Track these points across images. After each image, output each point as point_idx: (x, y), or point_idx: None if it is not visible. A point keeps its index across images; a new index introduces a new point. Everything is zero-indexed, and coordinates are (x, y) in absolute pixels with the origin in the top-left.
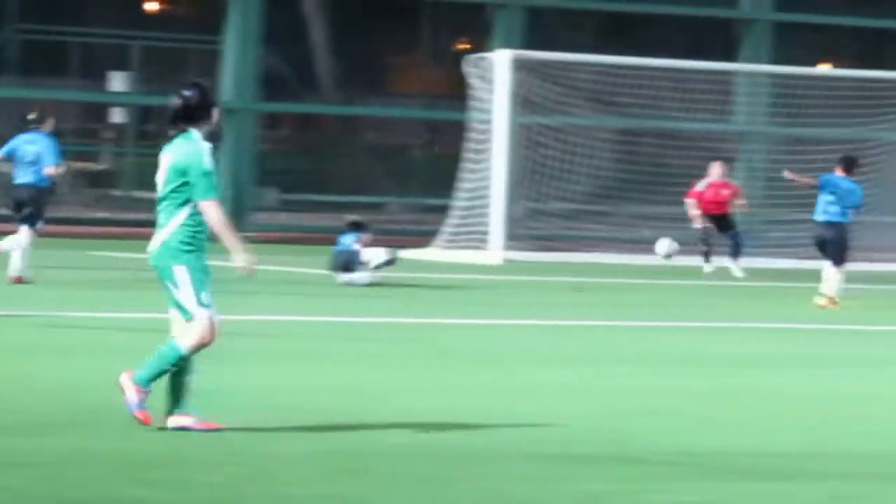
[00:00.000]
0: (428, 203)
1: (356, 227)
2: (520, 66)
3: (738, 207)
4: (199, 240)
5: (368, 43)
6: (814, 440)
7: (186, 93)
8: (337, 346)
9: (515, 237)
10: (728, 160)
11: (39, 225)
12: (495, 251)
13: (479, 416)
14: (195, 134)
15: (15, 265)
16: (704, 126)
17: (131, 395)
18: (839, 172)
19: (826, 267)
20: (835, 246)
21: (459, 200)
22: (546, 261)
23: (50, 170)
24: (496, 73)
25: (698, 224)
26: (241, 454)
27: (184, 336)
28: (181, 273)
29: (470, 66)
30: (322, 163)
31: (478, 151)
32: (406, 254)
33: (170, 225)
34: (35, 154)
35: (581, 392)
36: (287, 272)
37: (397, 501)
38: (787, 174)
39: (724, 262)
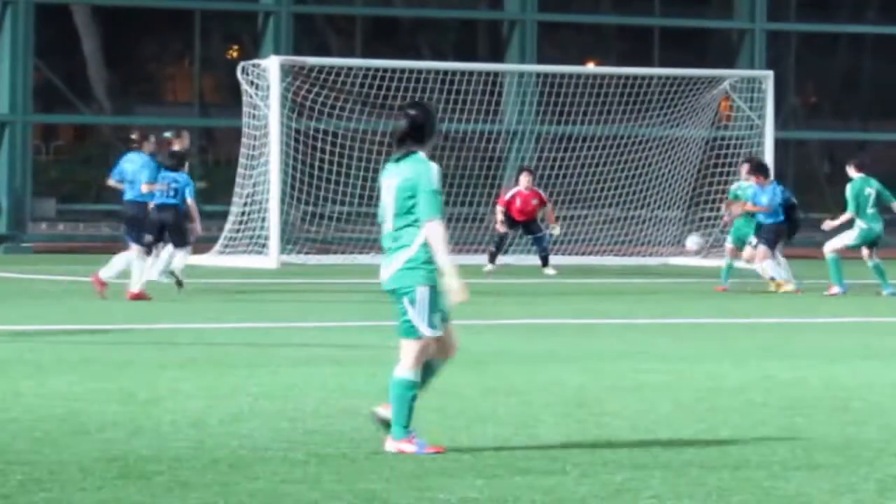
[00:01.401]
0: (205, 209)
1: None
2: (291, 72)
3: (551, 224)
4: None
5: (141, 53)
6: (581, 433)
7: (412, 112)
8: (108, 353)
9: (292, 241)
10: (500, 159)
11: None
12: (272, 255)
13: (256, 418)
14: (421, 154)
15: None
16: (475, 126)
17: (409, 447)
18: (755, 182)
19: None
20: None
21: (236, 206)
22: (322, 263)
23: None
24: (268, 80)
25: (501, 229)
26: (29, 463)
27: (402, 365)
28: (423, 293)
29: (242, 74)
30: (99, 173)
31: (253, 157)
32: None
33: (411, 246)
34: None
35: (355, 391)
36: (63, 281)
37: None
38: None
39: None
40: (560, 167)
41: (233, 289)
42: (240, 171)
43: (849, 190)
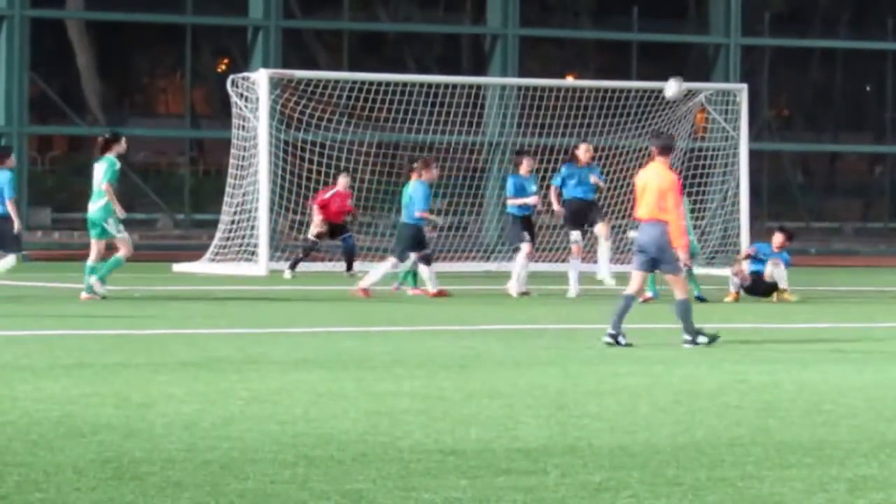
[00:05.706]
0: (196, 218)
1: None
2: (279, 84)
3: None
4: None
5: (134, 66)
6: (562, 434)
7: None
8: (102, 358)
9: (281, 249)
10: (483, 170)
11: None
12: (262, 263)
13: (246, 421)
14: None
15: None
16: (458, 138)
17: None
18: None
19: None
20: None
21: (226, 215)
22: (310, 271)
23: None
24: (257, 92)
25: (315, 231)
26: (25, 464)
27: None
28: None
29: (232, 86)
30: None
31: (242, 167)
32: (178, 267)
33: None
34: None
35: (343, 395)
36: (61, 288)
37: None
38: None
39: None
40: (541, 178)
41: (223, 295)
42: (229, 181)
43: None
